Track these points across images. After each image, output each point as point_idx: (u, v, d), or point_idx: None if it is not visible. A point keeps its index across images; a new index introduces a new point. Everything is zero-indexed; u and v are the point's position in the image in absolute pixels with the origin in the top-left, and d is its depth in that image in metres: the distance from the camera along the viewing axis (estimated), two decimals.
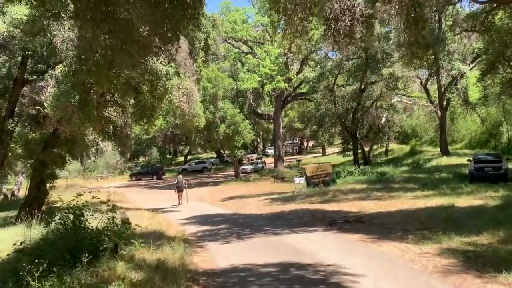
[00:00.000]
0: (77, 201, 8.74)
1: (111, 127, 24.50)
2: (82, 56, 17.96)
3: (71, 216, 7.92)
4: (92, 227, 8.57)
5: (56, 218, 8.82)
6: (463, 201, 15.60)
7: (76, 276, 5.55)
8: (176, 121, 26.28)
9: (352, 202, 18.51)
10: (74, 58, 17.96)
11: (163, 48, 21.31)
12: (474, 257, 8.01)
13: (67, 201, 9.32)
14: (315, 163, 41.84)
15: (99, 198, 9.46)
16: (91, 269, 5.93)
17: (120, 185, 45.39)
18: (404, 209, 15.02)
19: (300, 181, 26.00)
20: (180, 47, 20.42)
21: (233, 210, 20.50)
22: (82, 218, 7.98)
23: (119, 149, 25.72)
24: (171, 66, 20.47)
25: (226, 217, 17.70)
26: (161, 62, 20.44)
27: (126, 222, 11.63)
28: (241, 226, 14.28)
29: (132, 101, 21.94)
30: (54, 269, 5.53)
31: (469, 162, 24.17)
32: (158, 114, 22.75)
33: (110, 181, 50.48)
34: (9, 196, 37.07)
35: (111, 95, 22.67)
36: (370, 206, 16.59)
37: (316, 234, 11.62)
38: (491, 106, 30.81)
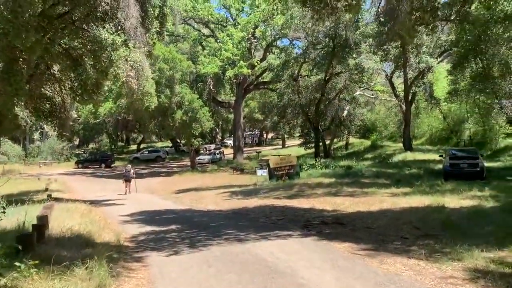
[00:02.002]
0: None
1: (47, 105, 20.73)
2: (9, 16, 14.38)
3: None
4: None
5: None
6: (450, 200, 13.46)
7: None
8: (123, 100, 22.77)
9: (323, 198, 16.03)
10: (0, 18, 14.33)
11: (109, 13, 17.75)
12: None
13: None
14: (275, 155, 39.34)
15: None
16: None
17: (65, 173, 40.94)
18: (388, 209, 12.66)
19: (262, 173, 23.34)
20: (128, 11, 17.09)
21: (187, 205, 17.49)
22: None
23: (57, 131, 21.81)
24: (118, 35, 17.11)
25: (179, 213, 14.67)
26: (107, 30, 17.04)
27: (40, 223, 8.44)
28: (195, 227, 11.35)
29: (72, 74, 18.43)
30: None
31: (441, 157, 22.49)
32: (102, 91, 19.21)
33: (54, 168, 45.67)
34: None
35: (46, 67, 19.01)
36: (345, 204, 14.15)
37: (293, 241, 8.90)
38: (460, 101, 29.46)
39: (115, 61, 16.82)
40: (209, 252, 8.06)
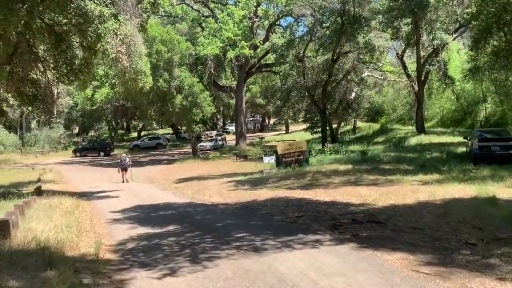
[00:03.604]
0: None
1: (32, 88, 18.41)
2: None
3: None
4: None
5: None
6: (498, 190, 11.21)
7: None
8: (114, 80, 20.39)
9: (343, 188, 13.81)
10: None
11: None
12: None
13: None
14: (279, 141, 37.11)
15: None
16: None
17: (61, 162, 38.75)
18: (427, 202, 10.42)
19: (270, 160, 21.07)
20: None
21: (189, 197, 15.28)
22: None
23: (43, 117, 19.53)
24: (106, 6, 14.75)
25: (179, 209, 12.46)
26: (93, 1, 14.68)
27: None
28: (198, 227, 9.14)
29: (55, 52, 16.08)
30: None
31: (466, 140, 20.20)
32: (91, 71, 16.86)
33: (50, 157, 43.46)
34: None
35: (27, 44, 16.64)
36: (373, 195, 11.92)
37: (326, 251, 6.68)
38: (481, 79, 27.00)
39: (102, 35, 14.49)
40: (216, 270, 5.83)
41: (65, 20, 15.27)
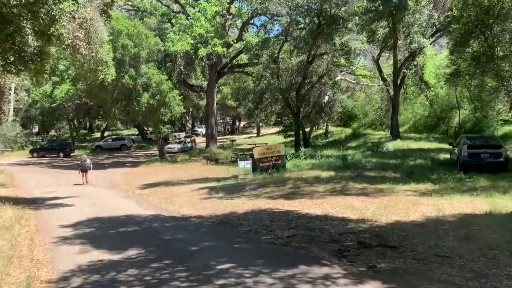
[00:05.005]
0: None
1: None
2: None
3: None
4: None
5: None
6: (509, 203, 9.90)
7: None
8: (70, 71, 17.90)
9: (331, 199, 12.10)
10: None
11: None
12: None
13: None
14: (250, 144, 35.38)
15: None
16: None
17: (16, 163, 35.26)
18: (436, 218, 8.89)
19: (246, 164, 19.15)
20: None
21: (155, 208, 13.13)
22: None
23: None
24: None
25: (143, 224, 10.33)
26: None
27: None
28: (168, 253, 7.12)
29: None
30: None
31: (451, 146, 19.04)
32: (45, 61, 14.40)
33: (5, 157, 39.66)
34: None
35: None
36: (369, 208, 10.30)
37: None
38: (463, 84, 26.14)
39: (57, 18, 12.25)
40: None
41: (14, 2, 12.88)
